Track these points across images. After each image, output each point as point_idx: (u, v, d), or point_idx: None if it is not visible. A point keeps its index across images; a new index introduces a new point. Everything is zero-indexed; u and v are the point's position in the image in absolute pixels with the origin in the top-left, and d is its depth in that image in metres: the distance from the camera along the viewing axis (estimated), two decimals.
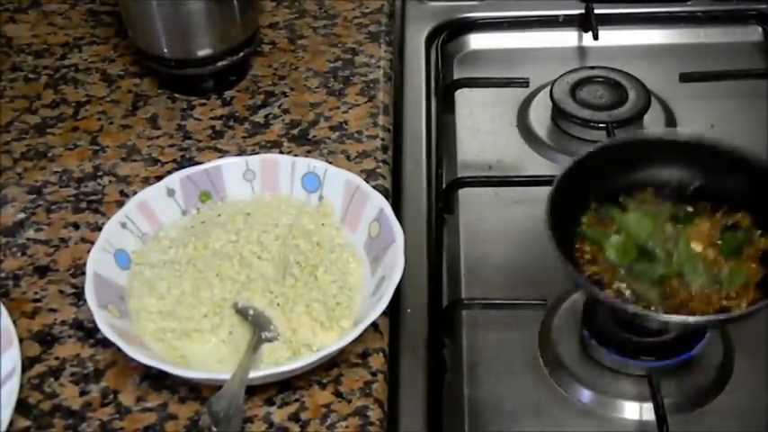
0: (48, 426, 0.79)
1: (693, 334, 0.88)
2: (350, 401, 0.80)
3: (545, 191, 0.89)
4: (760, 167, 0.88)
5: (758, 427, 0.87)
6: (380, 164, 1.00)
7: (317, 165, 0.92)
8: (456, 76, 1.22)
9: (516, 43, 1.27)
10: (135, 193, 0.92)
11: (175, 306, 0.84)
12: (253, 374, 0.78)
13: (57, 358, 0.84)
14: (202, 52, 1.05)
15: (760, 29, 1.26)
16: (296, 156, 0.98)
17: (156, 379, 0.81)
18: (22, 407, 0.80)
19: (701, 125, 1.14)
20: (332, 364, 0.82)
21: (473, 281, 0.99)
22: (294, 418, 0.79)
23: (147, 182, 0.98)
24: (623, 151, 0.92)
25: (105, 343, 0.82)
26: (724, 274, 0.85)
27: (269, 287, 0.85)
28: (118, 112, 1.07)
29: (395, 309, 0.90)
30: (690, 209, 0.89)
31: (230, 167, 0.93)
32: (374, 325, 0.82)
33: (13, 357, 0.81)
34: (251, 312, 0.83)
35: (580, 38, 1.26)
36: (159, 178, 0.93)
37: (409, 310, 0.92)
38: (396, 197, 1.01)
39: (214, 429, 0.75)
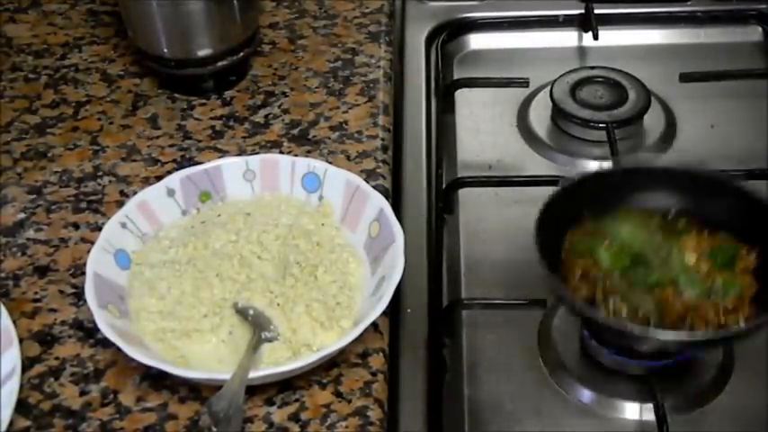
0: (48, 426, 0.79)
1: None
2: (350, 401, 0.80)
3: (545, 191, 0.89)
4: (738, 190, 0.89)
5: (758, 427, 0.87)
6: (380, 164, 1.00)
7: (317, 165, 0.92)
8: (456, 76, 1.22)
9: (516, 43, 1.27)
10: (135, 193, 0.92)
11: (175, 306, 0.84)
12: (253, 374, 0.78)
13: (57, 358, 0.84)
14: (202, 52, 1.05)
15: (760, 29, 1.26)
16: (296, 156, 0.98)
17: (156, 379, 0.81)
18: (22, 407, 0.80)
19: (701, 125, 1.14)
20: (332, 364, 0.82)
21: (473, 281, 0.99)
22: (294, 418, 0.79)
23: (147, 182, 0.98)
24: (601, 181, 0.92)
25: (105, 343, 0.82)
26: (718, 285, 0.84)
27: (269, 287, 0.85)
28: (118, 112, 1.07)
29: (395, 309, 0.90)
30: (679, 224, 0.89)
31: (230, 167, 0.93)
32: (374, 325, 0.82)
33: (13, 357, 0.81)
34: (251, 312, 0.83)
35: (580, 38, 1.26)
36: (159, 178, 0.93)
37: (409, 310, 0.92)
38: (396, 197, 1.01)
39: (214, 429, 0.75)
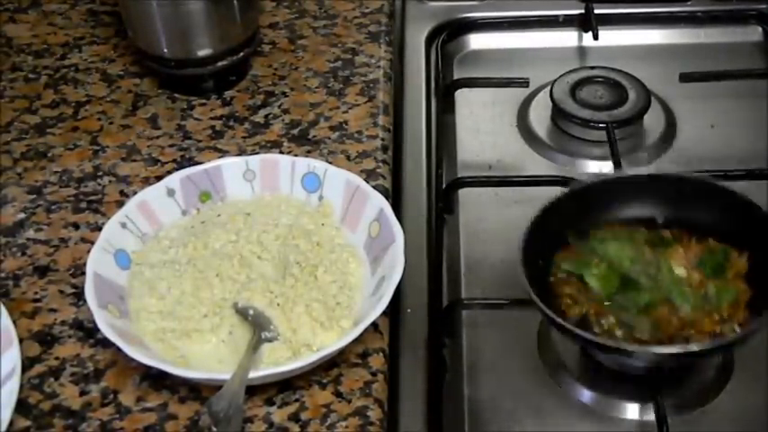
0: (48, 426, 0.79)
1: None
2: (350, 401, 0.80)
3: (545, 191, 0.89)
4: (723, 192, 0.89)
5: (758, 427, 0.87)
6: (380, 164, 1.00)
7: (317, 165, 0.92)
8: (456, 76, 1.22)
9: (516, 43, 1.27)
10: (135, 193, 0.92)
11: (175, 306, 0.84)
12: (253, 374, 0.78)
13: (57, 358, 0.84)
14: (202, 52, 1.05)
15: (760, 29, 1.26)
16: (296, 156, 0.98)
17: (156, 379, 0.81)
18: (22, 407, 0.80)
19: (700, 125, 1.14)
20: (332, 364, 0.82)
21: (473, 281, 0.99)
22: (294, 418, 0.79)
23: (147, 182, 0.98)
24: (586, 194, 0.92)
25: (105, 343, 0.82)
26: (712, 293, 0.84)
27: (269, 287, 0.85)
28: (118, 112, 1.07)
29: (395, 309, 0.90)
30: (665, 235, 0.89)
31: (230, 167, 0.93)
32: (374, 325, 0.82)
33: (13, 357, 0.81)
34: (251, 312, 0.83)
35: (580, 38, 1.26)
36: (159, 178, 0.93)
37: (409, 310, 0.92)
38: (396, 197, 1.01)
39: (214, 429, 0.75)
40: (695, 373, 0.89)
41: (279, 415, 0.79)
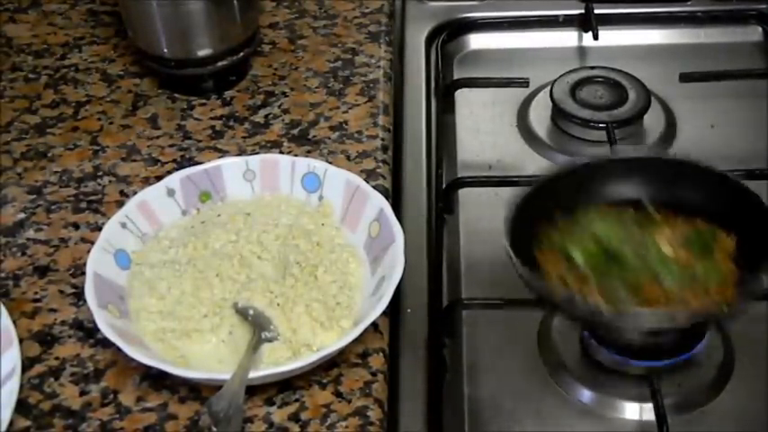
0: (48, 426, 0.79)
1: (693, 334, 0.88)
2: (350, 401, 0.80)
3: None
4: (710, 173, 0.88)
5: (758, 427, 0.87)
6: (380, 164, 1.00)
7: (317, 165, 0.92)
8: (456, 76, 1.22)
9: (516, 43, 1.27)
10: (135, 193, 0.92)
11: (175, 306, 0.84)
12: (253, 374, 0.78)
13: (57, 358, 0.84)
14: (202, 52, 1.05)
15: (760, 29, 1.26)
16: (296, 156, 0.98)
17: (156, 379, 0.81)
18: (22, 407, 0.80)
19: (700, 125, 1.14)
20: (332, 364, 0.82)
21: (473, 281, 0.99)
22: (294, 418, 0.79)
23: (147, 182, 0.98)
24: (574, 175, 0.91)
25: (105, 343, 0.82)
26: (700, 272, 0.83)
27: (269, 287, 0.85)
28: (118, 112, 1.07)
29: (395, 309, 0.90)
30: (653, 214, 0.88)
31: (230, 167, 0.93)
32: (374, 325, 0.82)
33: (13, 357, 0.81)
34: (251, 312, 0.83)
35: (580, 38, 1.26)
36: (159, 178, 0.93)
37: (409, 310, 0.92)
38: (396, 197, 1.01)
39: (214, 429, 0.75)
40: (695, 372, 0.89)
41: (279, 415, 0.79)
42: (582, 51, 1.26)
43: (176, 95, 1.08)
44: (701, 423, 0.87)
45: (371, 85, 1.09)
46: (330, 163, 0.94)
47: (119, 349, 0.78)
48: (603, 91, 1.13)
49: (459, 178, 1.06)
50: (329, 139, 1.02)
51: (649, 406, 0.85)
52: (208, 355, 0.82)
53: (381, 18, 1.18)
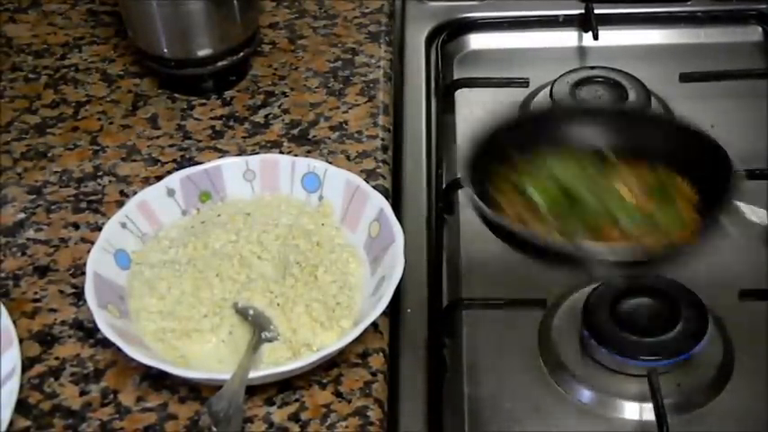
0: (48, 426, 0.79)
1: (693, 333, 0.88)
2: (350, 401, 0.80)
3: None
4: (674, 124, 0.87)
5: (758, 427, 0.87)
6: (380, 164, 1.00)
7: (317, 165, 0.92)
8: (456, 76, 1.22)
9: (516, 43, 1.27)
10: (135, 193, 0.92)
11: (175, 306, 0.84)
12: (253, 374, 0.78)
13: (57, 358, 0.84)
14: (202, 52, 1.05)
15: (760, 29, 1.26)
16: (296, 156, 0.98)
17: (156, 379, 0.81)
18: (22, 407, 0.80)
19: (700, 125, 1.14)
20: (332, 364, 0.82)
21: (473, 281, 0.99)
22: (294, 418, 0.79)
23: (147, 182, 0.98)
24: (536, 119, 0.90)
25: (105, 343, 0.82)
26: (661, 219, 0.81)
27: (269, 287, 0.85)
28: (118, 112, 1.07)
29: (395, 309, 0.90)
30: (612, 159, 0.86)
31: (230, 167, 0.93)
32: (374, 325, 0.82)
33: (13, 357, 0.81)
34: (251, 312, 0.83)
35: (580, 38, 1.26)
36: (159, 178, 0.93)
37: (409, 310, 0.92)
38: (396, 197, 1.01)
39: (214, 429, 0.75)
40: (695, 372, 0.89)
41: (279, 415, 0.79)
42: (582, 51, 1.26)
43: (176, 95, 1.08)
44: (701, 423, 0.87)
45: (371, 85, 1.09)
46: (330, 163, 0.94)
47: (119, 349, 0.79)
48: (603, 91, 1.13)
49: (459, 178, 1.06)
50: (329, 139, 1.02)
51: (649, 406, 0.85)
52: (208, 355, 0.82)
53: (381, 18, 1.18)
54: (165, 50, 1.05)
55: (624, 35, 1.26)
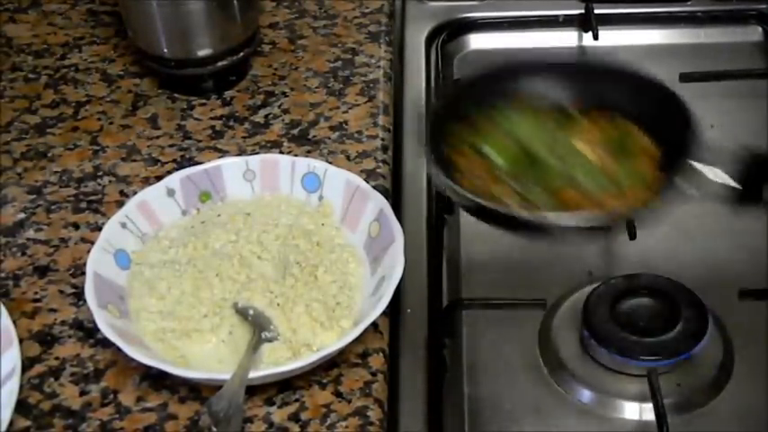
0: (48, 426, 0.79)
1: (693, 333, 0.88)
2: (350, 401, 0.80)
3: None
4: (637, 78, 0.84)
5: (758, 427, 0.87)
6: (380, 164, 1.00)
7: (317, 165, 0.92)
8: (456, 76, 1.22)
9: (516, 43, 1.27)
10: (135, 193, 0.92)
11: (175, 306, 0.84)
12: (253, 374, 0.78)
13: (57, 358, 0.84)
14: (202, 52, 1.05)
15: (760, 29, 1.26)
16: (296, 156, 0.98)
17: (156, 379, 0.81)
18: (22, 407, 0.80)
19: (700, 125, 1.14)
20: (332, 364, 0.82)
21: (473, 281, 0.99)
22: (294, 418, 0.79)
23: (147, 182, 0.98)
24: (492, 77, 0.86)
25: (105, 343, 0.82)
26: (622, 176, 0.78)
27: (269, 287, 0.85)
28: (118, 112, 1.07)
29: (395, 309, 0.90)
30: (572, 113, 0.84)
31: (230, 167, 0.93)
32: (374, 325, 0.82)
33: (13, 357, 0.81)
34: (251, 312, 0.83)
35: (580, 38, 1.26)
36: (159, 178, 0.93)
37: (409, 310, 0.92)
38: (396, 197, 1.01)
39: (214, 429, 0.75)
40: (695, 373, 0.89)
41: (279, 415, 0.79)
42: (582, 51, 1.26)
43: (176, 95, 1.08)
44: (701, 423, 0.87)
45: (371, 85, 1.09)
46: (330, 163, 0.94)
47: (119, 349, 0.79)
48: None
49: None
50: (329, 139, 1.02)
51: (649, 406, 0.85)
52: (208, 355, 0.82)
53: (381, 18, 1.18)
54: (165, 50, 1.05)
55: (624, 35, 1.26)
